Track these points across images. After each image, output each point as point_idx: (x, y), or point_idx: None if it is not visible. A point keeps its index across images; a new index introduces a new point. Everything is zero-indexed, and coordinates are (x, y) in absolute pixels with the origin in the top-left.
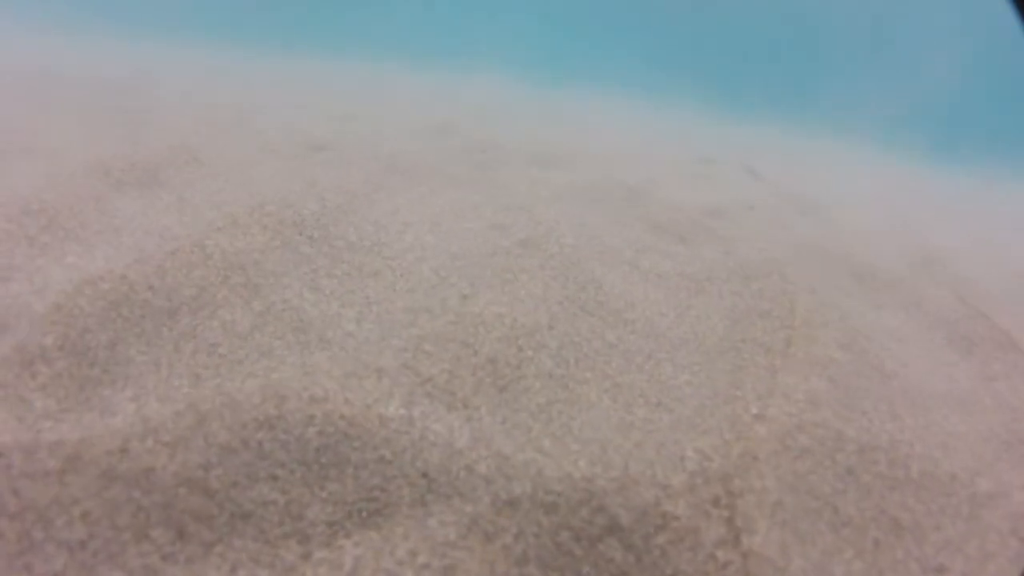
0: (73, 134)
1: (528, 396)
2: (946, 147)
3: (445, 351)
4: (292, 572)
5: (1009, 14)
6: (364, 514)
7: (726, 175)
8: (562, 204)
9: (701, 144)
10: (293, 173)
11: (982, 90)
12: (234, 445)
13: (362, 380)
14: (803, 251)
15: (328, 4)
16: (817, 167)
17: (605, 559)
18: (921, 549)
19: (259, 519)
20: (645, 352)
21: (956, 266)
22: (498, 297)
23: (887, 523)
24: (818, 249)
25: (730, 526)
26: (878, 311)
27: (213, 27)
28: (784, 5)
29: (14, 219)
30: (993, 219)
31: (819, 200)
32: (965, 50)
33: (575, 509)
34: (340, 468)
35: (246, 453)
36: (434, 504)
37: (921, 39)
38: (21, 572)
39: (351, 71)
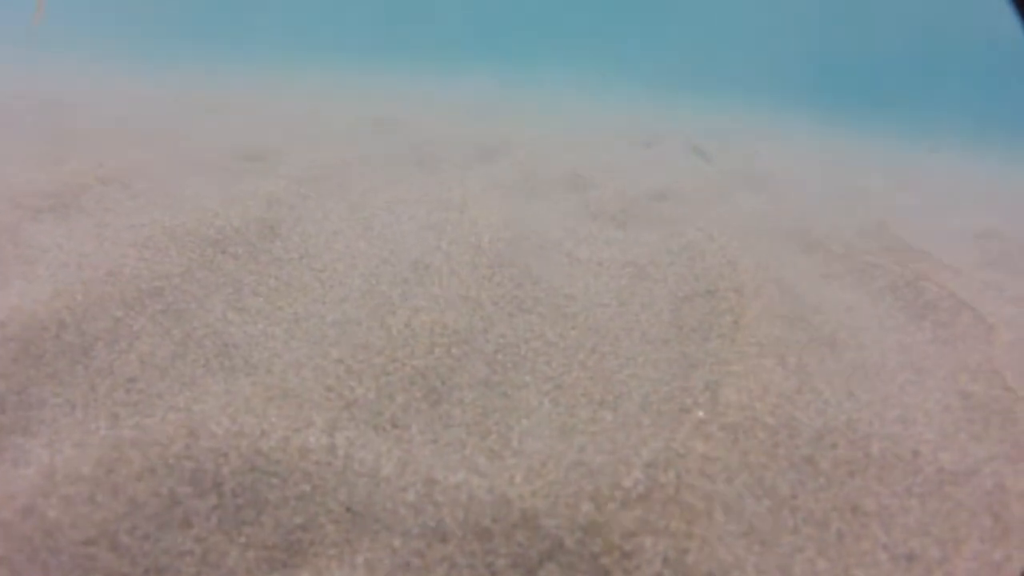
0: None
1: (462, 409)
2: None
3: (372, 367)
4: None
5: (1009, 14)
6: (286, 557)
7: (670, 156)
8: (499, 198)
9: (645, 125)
10: (219, 187)
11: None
12: (142, 494)
13: (281, 408)
14: (750, 228)
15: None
16: (765, 144)
17: None
18: (889, 536)
19: (175, 572)
20: (587, 347)
21: (903, 231)
22: (428, 303)
23: (850, 512)
24: (765, 225)
25: (678, 540)
26: (827, 282)
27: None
28: None
29: None
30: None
31: (768, 176)
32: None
33: (510, 533)
34: (258, 509)
35: (156, 501)
36: (360, 540)
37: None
38: None
39: (282, 72)
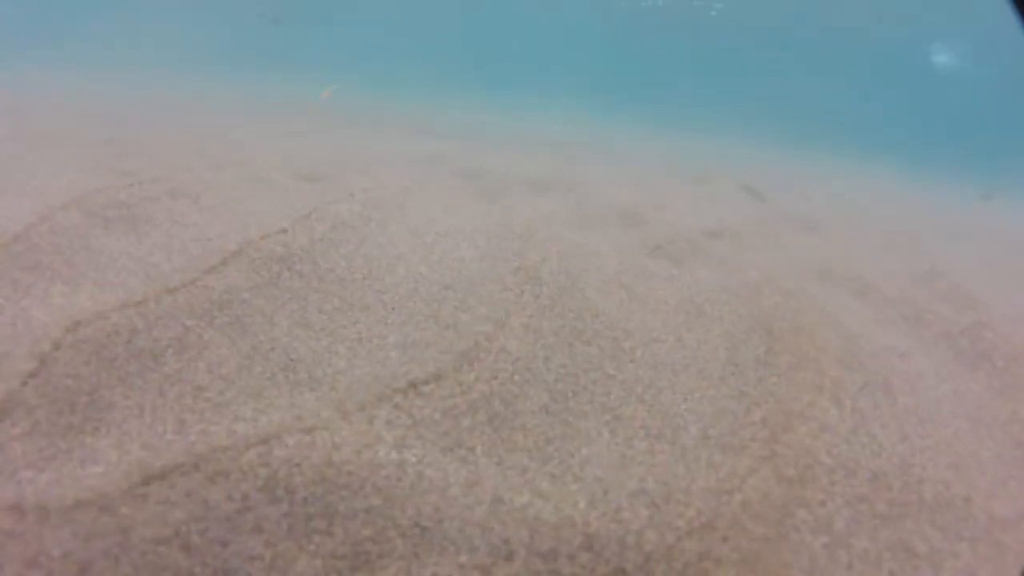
0: (63, 169)
1: (524, 434)
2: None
3: (439, 389)
4: None
5: (1009, 14)
6: (354, 568)
7: (722, 194)
8: (558, 230)
9: (696, 163)
10: (284, 205)
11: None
12: (216, 497)
13: (352, 423)
14: (803, 270)
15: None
16: (815, 186)
17: None
18: None
19: None
20: (645, 381)
21: (955, 277)
22: (492, 330)
23: (903, 553)
24: (818, 267)
25: (740, 571)
26: (880, 327)
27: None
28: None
29: None
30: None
31: (819, 218)
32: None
33: (574, 555)
34: (329, 519)
35: (229, 505)
36: (428, 555)
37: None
38: None
39: (347, 98)
